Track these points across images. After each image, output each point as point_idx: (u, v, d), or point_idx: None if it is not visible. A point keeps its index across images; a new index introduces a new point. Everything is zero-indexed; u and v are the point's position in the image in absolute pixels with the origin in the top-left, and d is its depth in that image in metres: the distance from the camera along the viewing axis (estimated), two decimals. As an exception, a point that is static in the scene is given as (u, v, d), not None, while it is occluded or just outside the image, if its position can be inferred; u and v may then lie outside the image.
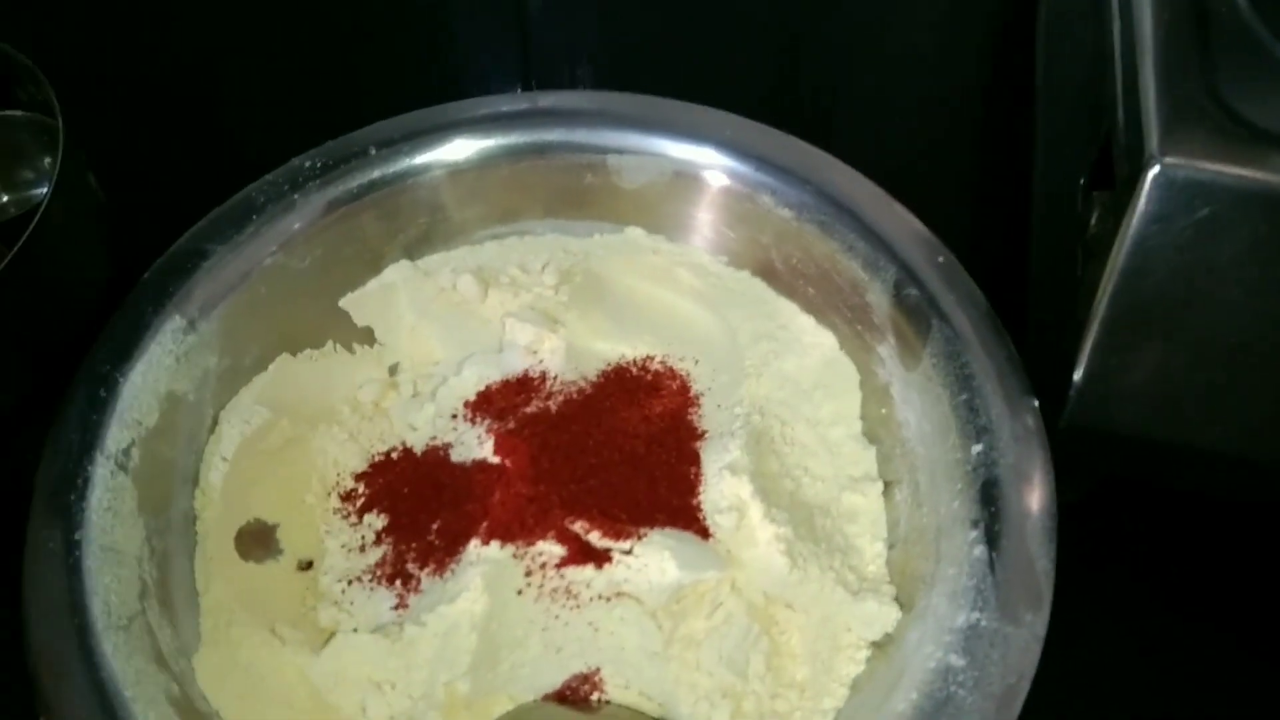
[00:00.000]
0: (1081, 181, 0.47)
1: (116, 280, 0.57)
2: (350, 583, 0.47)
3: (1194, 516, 0.50)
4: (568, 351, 0.52)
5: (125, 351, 0.46)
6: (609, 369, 0.52)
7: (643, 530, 0.45)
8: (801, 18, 0.71)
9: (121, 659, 0.39)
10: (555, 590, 0.44)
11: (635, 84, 0.56)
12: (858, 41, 0.71)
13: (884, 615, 0.44)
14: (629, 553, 0.45)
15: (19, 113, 0.61)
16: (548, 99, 0.55)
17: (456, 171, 0.54)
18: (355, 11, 0.73)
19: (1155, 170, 0.39)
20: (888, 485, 0.48)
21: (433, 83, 0.70)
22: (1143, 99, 0.41)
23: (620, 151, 0.53)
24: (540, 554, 0.45)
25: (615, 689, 0.44)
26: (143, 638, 0.41)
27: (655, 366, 0.53)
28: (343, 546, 0.48)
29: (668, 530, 0.45)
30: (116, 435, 0.44)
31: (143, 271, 0.50)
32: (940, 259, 0.48)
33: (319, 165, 0.52)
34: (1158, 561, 0.50)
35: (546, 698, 0.44)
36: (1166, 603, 0.49)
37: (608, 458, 0.48)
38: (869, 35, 0.71)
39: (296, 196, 0.51)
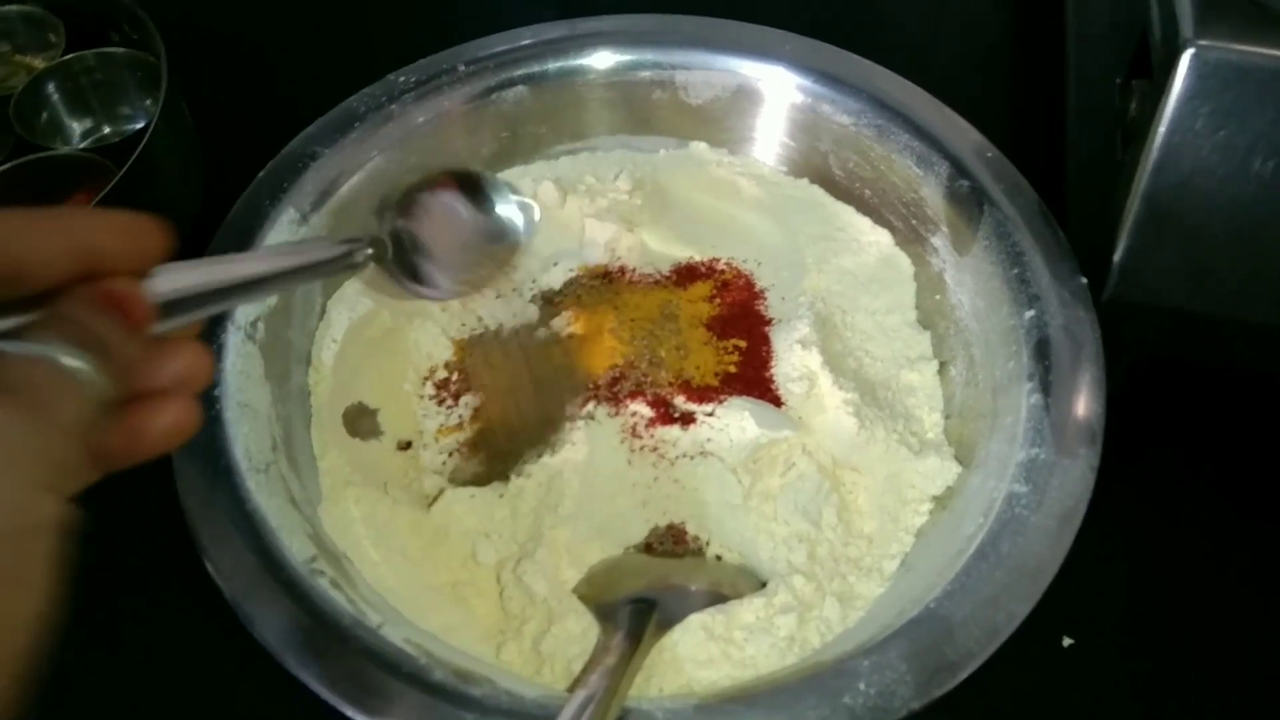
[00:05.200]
0: (1118, 81, 0.51)
1: (204, 215, 0.61)
2: (451, 454, 0.51)
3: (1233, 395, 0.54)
4: (643, 250, 0.56)
5: (247, 237, 0.50)
6: (680, 266, 0.57)
7: (723, 395, 0.49)
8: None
9: (264, 496, 0.43)
10: (644, 448, 0.49)
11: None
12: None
13: (945, 470, 0.48)
14: (711, 414, 0.49)
15: (120, 50, 0.65)
16: (617, 22, 0.59)
17: (536, 89, 0.58)
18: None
19: (1190, 53, 0.43)
20: (943, 365, 0.53)
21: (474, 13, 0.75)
22: (1176, -6, 0.46)
23: (688, 68, 0.58)
24: (633, 414, 0.49)
25: (698, 541, 0.48)
26: (278, 482, 0.45)
27: (721, 266, 0.57)
28: (440, 426, 0.52)
29: (745, 396, 0.50)
30: (245, 310, 0.49)
31: (227, 208, 0.53)
32: (989, 154, 0.53)
33: (413, 80, 0.56)
34: (1195, 444, 0.54)
35: (634, 549, 0.48)
36: (1208, 482, 0.53)
37: (688, 335, 0.52)
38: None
39: (394, 107, 0.56)
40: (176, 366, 0.28)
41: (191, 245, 0.58)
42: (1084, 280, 0.49)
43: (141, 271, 0.28)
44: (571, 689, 0.40)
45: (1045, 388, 0.45)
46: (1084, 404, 0.44)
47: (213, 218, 0.53)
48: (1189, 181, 0.46)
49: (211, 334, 0.47)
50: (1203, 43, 0.43)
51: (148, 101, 0.68)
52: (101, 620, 0.47)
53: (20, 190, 0.59)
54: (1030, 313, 0.48)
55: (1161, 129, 0.45)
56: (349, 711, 0.38)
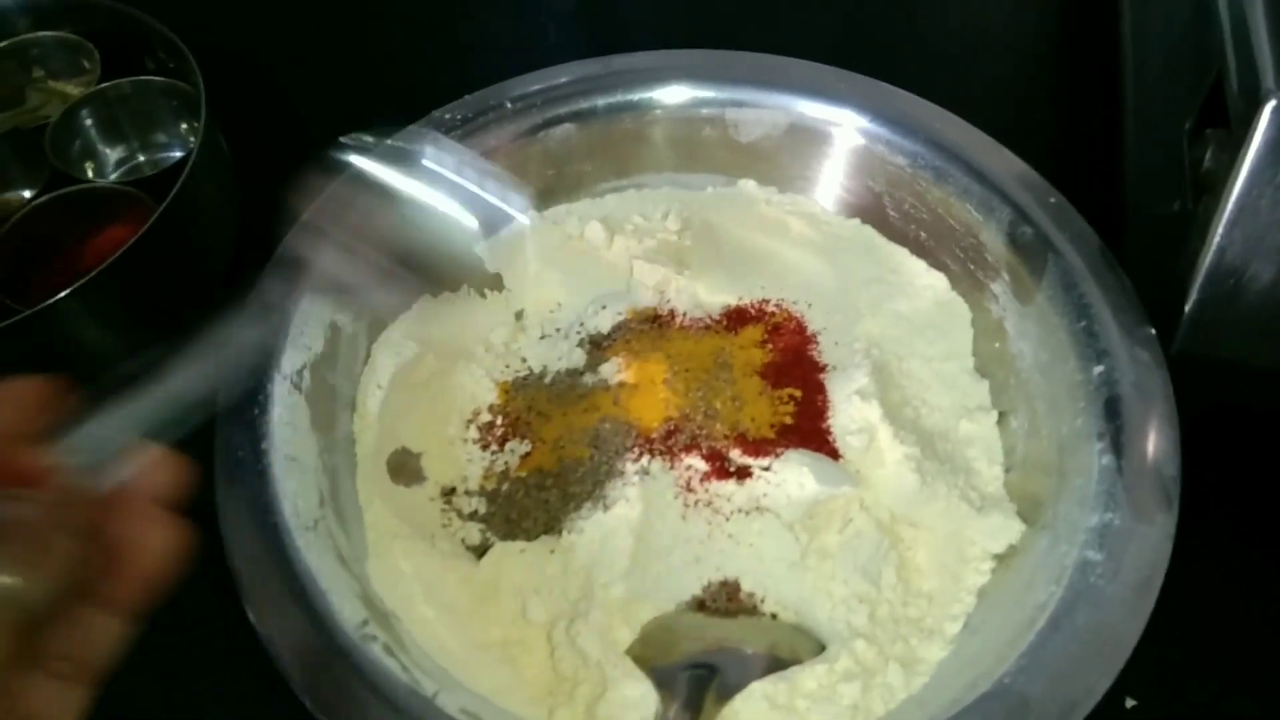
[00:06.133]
0: (1187, 125, 0.50)
1: (239, 249, 0.60)
2: (495, 502, 0.50)
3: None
4: (692, 292, 0.55)
5: (297, 274, 0.49)
6: (730, 309, 0.55)
7: (780, 449, 0.48)
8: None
9: (314, 556, 0.42)
10: (699, 503, 0.47)
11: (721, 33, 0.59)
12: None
13: (1008, 529, 0.46)
14: (768, 469, 0.48)
15: (157, 78, 0.64)
16: (667, 58, 0.58)
17: (584, 126, 0.57)
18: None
19: (1272, 105, 0.42)
20: (1002, 415, 0.51)
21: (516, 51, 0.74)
22: (1255, 43, 0.44)
23: (739, 105, 0.57)
24: (687, 468, 0.48)
25: (753, 598, 0.47)
26: (326, 539, 0.44)
27: (771, 309, 0.56)
28: (485, 472, 0.51)
29: (802, 450, 0.48)
30: (290, 358, 0.47)
31: (263, 241, 0.51)
32: (1051, 200, 0.51)
33: (459, 117, 0.55)
34: (1266, 501, 0.52)
35: (688, 606, 0.47)
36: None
37: (742, 385, 0.50)
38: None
39: (439, 146, 0.54)
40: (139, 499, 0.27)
41: (229, 280, 0.58)
42: (1152, 331, 0.48)
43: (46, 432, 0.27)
44: (634, 763, 0.38)
45: (1117, 448, 0.44)
46: (1160, 467, 0.43)
47: (248, 251, 0.52)
48: (1266, 235, 0.45)
49: (258, 385, 0.46)
50: (1285, 94, 0.42)
51: (182, 128, 0.67)
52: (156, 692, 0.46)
53: (57, 221, 0.58)
54: (1099, 368, 0.46)
55: (1239, 182, 0.44)
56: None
